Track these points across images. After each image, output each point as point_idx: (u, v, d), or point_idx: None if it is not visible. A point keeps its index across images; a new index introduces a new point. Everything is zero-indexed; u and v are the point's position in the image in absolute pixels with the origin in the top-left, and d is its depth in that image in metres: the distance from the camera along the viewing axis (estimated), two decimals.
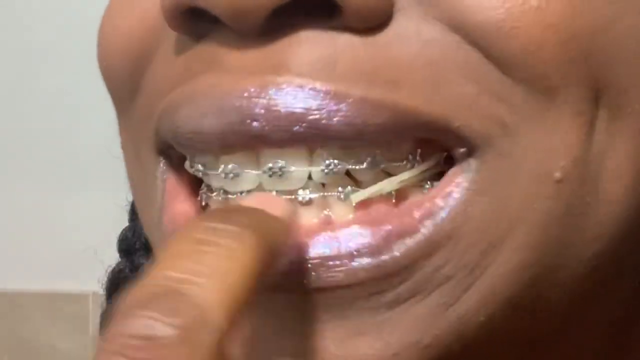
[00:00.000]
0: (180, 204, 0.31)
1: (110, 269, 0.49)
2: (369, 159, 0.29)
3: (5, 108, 1.15)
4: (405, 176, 0.29)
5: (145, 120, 0.32)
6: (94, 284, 1.15)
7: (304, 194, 0.29)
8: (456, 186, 0.28)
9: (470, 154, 0.28)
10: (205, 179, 0.31)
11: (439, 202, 0.28)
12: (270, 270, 0.25)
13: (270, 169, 0.29)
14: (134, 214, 0.48)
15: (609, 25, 0.28)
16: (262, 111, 0.27)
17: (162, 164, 0.32)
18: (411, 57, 0.27)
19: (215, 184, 0.31)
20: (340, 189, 0.29)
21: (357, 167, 0.29)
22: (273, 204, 0.27)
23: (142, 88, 0.32)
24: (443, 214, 0.28)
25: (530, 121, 0.27)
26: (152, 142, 0.32)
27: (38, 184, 1.15)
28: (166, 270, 0.23)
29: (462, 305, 0.28)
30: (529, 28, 0.27)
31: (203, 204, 0.32)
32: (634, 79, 0.28)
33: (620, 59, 0.28)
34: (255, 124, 0.27)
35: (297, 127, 0.27)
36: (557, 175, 0.28)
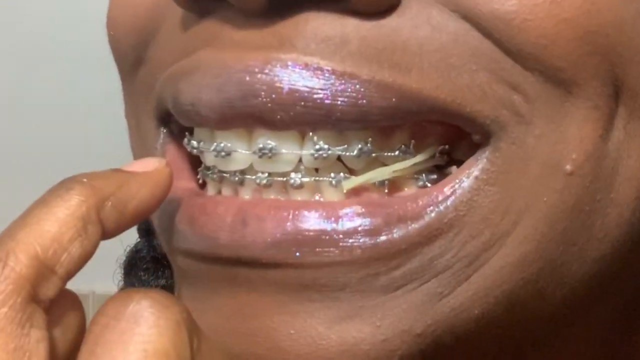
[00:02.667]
0: (181, 180, 0.31)
1: (128, 249, 0.50)
2: (359, 146, 0.29)
3: (5, 108, 1.15)
4: (399, 166, 0.29)
5: (147, 90, 0.32)
6: (94, 284, 1.16)
7: (295, 177, 0.29)
8: (467, 176, 0.28)
9: (485, 141, 0.28)
10: (200, 157, 0.31)
11: (447, 190, 0.28)
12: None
13: (260, 149, 0.29)
14: None
15: (628, 23, 0.27)
16: (264, 87, 0.27)
17: (162, 135, 0.32)
18: (420, 41, 0.27)
19: (209, 162, 0.31)
20: (332, 174, 0.29)
21: (347, 153, 0.29)
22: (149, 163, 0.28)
23: (146, 60, 0.32)
24: (448, 202, 0.27)
25: (544, 111, 0.27)
26: (154, 112, 0.32)
27: (38, 184, 1.15)
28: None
29: (457, 297, 0.28)
30: (542, 22, 0.26)
31: (200, 181, 0.32)
32: None
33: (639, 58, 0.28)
34: (256, 100, 0.27)
35: (300, 106, 0.27)
36: (568, 167, 0.27)
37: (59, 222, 0.26)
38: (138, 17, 0.32)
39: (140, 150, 0.34)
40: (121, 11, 0.33)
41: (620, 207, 0.29)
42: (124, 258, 0.50)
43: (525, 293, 0.28)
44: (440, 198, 0.28)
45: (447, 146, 0.29)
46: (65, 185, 0.27)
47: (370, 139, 0.28)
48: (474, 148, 0.28)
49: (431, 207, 0.28)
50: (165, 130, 0.32)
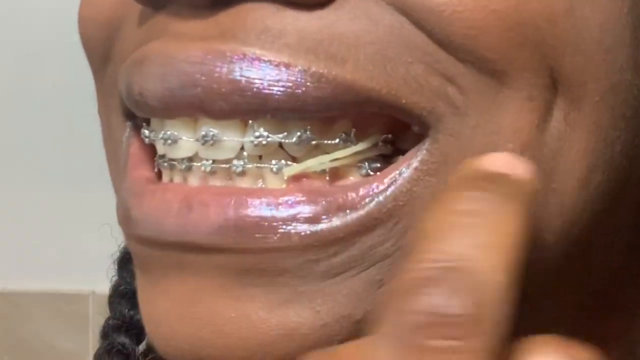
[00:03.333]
0: (140, 170, 0.32)
1: (122, 245, 0.51)
2: (298, 133, 0.29)
3: (4, 107, 1.15)
4: (339, 155, 0.29)
5: (113, 86, 0.32)
6: (94, 284, 1.16)
7: (237, 164, 0.30)
8: (407, 166, 0.28)
9: (425, 133, 0.28)
10: (155, 146, 0.32)
11: (387, 181, 0.28)
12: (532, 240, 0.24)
13: (203, 136, 0.29)
14: None
15: (561, 15, 0.27)
16: (204, 77, 0.28)
17: (128, 128, 0.33)
18: (357, 33, 0.27)
19: (160, 150, 0.32)
20: (274, 162, 0.30)
21: (286, 140, 0.29)
22: (519, 166, 0.25)
23: (112, 56, 0.33)
24: (388, 192, 0.28)
25: (479, 103, 0.27)
26: (120, 107, 0.33)
27: (38, 183, 1.15)
28: (439, 246, 0.22)
29: None
30: (471, 13, 0.27)
31: (156, 170, 0.32)
32: (592, 72, 0.28)
33: (575, 50, 0.28)
34: (196, 90, 0.28)
35: (238, 95, 0.28)
36: None
37: None
38: (104, 14, 0.33)
39: (109, 145, 0.35)
40: (89, 9, 0.34)
41: (562, 197, 0.29)
42: (117, 254, 0.51)
43: None
44: (380, 188, 0.28)
45: (390, 135, 0.29)
46: None
47: (309, 126, 0.29)
48: (417, 139, 0.28)
49: (371, 197, 0.28)
50: (130, 124, 0.33)
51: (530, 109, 0.28)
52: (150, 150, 0.33)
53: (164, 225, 0.29)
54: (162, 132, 0.30)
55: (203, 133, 0.29)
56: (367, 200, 0.28)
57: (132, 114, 0.32)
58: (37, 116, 1.14)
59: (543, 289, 0.30)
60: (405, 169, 0.28)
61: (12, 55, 1.14)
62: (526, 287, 0.29)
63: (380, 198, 0.28)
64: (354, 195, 0.28)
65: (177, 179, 0.31)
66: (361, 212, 0.28)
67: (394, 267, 0.28)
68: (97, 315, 1.16)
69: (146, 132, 0.31)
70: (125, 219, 0.31)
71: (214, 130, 0.29)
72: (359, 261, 0.28)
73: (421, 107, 0.28)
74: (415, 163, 0.28)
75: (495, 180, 0.24)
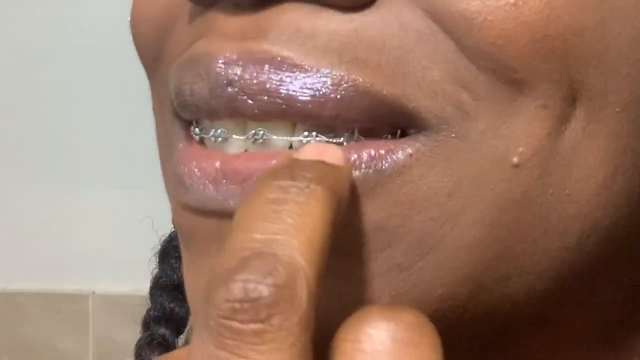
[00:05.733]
0: (195, 165, 0.32)
1: (163, 237, 0.51)
2: (346, 134, 0.29)
3: (4, 107, 1.15)
4: None
5: (164, 86, 0.33)
6: (94, 284, 1.16)
7: None
8: (402, 150, 0.28)
9: (421, 131, 0.28)
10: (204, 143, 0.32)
11: (382, 152, 0.28)
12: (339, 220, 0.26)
13: (253, 135, 0.30)
14: None
15: (589, 29, 0.28)
16: (236, 78, 0.28)
17: (177, 126, 0.33)
18: (385, 38, 0.28)
19: (209, 147, 0.32)
20: None
21: (334, 140, 0.30)
22: (329, 153, 0.28)
23: (163, 56, 0.33)
24: (385, 165, 0.28)
25: (491, 109, 0.28)
26: (170, 107, 0.33)
27: (38, 183, 1.15)
28: (249, 233, 0.24)
29: (417, 273, 0.28)
30: (502, 23, 0.27)
31: None
32: (615, 84, 0.28)
33: (600, 63, 0.28)
34: (230, 89, 0.29)
35: (266, 98, 0.28)
36: (515, 160, 0.28)
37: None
38: (156, 14, 0.33)
39: (164, 144, 0.35)
40: (141, 10, 0.34)
41: (579, 204, 0.29)
42: (159, 247, 0.52)
43: (487, 278, 0.29)
44: (376, 156, 0.28)
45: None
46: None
47: (357, 127, 0.29)
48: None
49: (370, 163, 0.28)
50: (179, 122, 0.33)
51: (544, 117, 0.28)
52: (200, 146, 0.33)
53: (206, 193, 0.29)
54: (212, 130, 0.31)
55: (253, 132, 0.30)
56: (368, 164, 0.28)
57: (180, 113, 0.33)
58: (37, 116, 1.14)
59: (574, 288, 0.30)
60: (400, 152, 0.28)
61: (13, 54, 1.14)
62: (555, 289, 0.30)
63: (380, 165, 0.28)
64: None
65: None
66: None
67: (412, 253, 0.28)
68: (97, 315, 1.16)
69: (197, 129, 0.32)
70: (176, 188, 0.31)
71: (262, 130, 0.30)
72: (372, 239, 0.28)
73: (427, 110, 0.28)
74: (409, 149, 0.28)
75: (305, 168, 0.26)
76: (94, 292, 1.15)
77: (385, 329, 0.24)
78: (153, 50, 0.34)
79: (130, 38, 0.35)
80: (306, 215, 0.24)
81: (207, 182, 0.30)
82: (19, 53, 1.14)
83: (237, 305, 0.23)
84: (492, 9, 0.27)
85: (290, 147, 0.30)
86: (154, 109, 0.36)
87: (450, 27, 0.28)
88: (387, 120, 0.29)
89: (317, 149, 0.28)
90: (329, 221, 0.25)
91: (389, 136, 0.29)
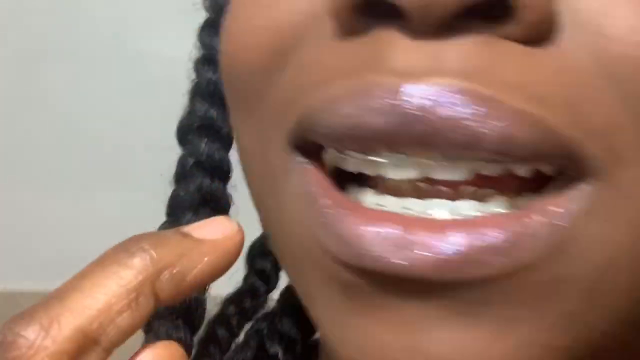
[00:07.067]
0: (332, 196, 0.31)
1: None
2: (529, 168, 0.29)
3: (4, 108, 1.15)
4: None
5: (279, 116, 0.32)
6: None
7: (464, 206, 0.30)
8: (569, 202, 0.28)
9: (580, 178, 0.28)
10: (359, 167, 0.31)
11: (557, 209, 0.28)
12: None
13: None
14: None
15: None
16: (420, 113, 0.27)
17: (298, 157, 0.32)
18: (559, 76, 0.27)
19: (371, 171, 0.31)
20: (493, 204, 0.30)
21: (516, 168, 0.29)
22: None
23: (279, 82, 0.32)
24: (560, 220, 0.28)
25: None
26: (288, 135, 0.31)
27: (38, 184, 1.15)
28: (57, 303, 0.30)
29: (586, 315, 0.29)
30: None
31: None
32: None
33: None
34: (416, 126, 0.28)
35: (452, 132, 0.27)
36: None
37: (111, 292, 0.28)
38: (272, 38, 0.31)
39: (266, 180, 0.34)
40: (250, 34, 0.32)
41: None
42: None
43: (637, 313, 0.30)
44: (553, 215, 0.28)
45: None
46: (127, 249, 0.29)
47: (540, 163, 0.29)
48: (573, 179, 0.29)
49: (545, 226, 0.28)
50: (299, 153, 0.32)
51: None
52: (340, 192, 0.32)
53: (388, 260, 0.28)
54: (385, 153, 0.30)
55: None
56: (544, 227, 0.28)
57: (299, 143, 0.31)
58: (37, 117, 1.14)
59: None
60: (568, 205, 0.28)
61: (14, 54, 1.14)
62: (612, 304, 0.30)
63: (555, 226, 0.28)
64: (531, 222, 0.28)
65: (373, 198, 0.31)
66: (543, 240, 0.28)
67: (580, 299, 0.28)
68: None
69: (353, 153, 0.31)
70: (327, 241, 0.30)
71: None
72: (548, 290, 0.28)
73: (595, 157, 0.28)
74: (577, 199, 0.28)
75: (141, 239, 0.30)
76: None
77: None
78: (264, 79, 0.32)
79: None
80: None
81: (390, 248, 0.28)
82: (20, 52, 1.14)
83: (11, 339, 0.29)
84: None
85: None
86: (251, 144, 0.34)
87: (613, 69, 0.27)
88: (553, 162, 0.29)
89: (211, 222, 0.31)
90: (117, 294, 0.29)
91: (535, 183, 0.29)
